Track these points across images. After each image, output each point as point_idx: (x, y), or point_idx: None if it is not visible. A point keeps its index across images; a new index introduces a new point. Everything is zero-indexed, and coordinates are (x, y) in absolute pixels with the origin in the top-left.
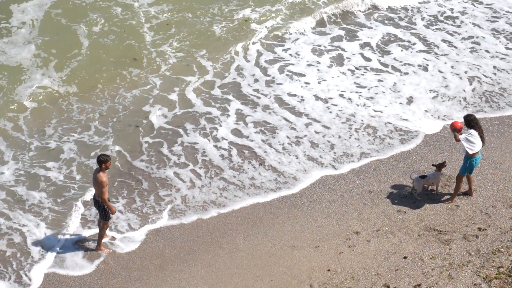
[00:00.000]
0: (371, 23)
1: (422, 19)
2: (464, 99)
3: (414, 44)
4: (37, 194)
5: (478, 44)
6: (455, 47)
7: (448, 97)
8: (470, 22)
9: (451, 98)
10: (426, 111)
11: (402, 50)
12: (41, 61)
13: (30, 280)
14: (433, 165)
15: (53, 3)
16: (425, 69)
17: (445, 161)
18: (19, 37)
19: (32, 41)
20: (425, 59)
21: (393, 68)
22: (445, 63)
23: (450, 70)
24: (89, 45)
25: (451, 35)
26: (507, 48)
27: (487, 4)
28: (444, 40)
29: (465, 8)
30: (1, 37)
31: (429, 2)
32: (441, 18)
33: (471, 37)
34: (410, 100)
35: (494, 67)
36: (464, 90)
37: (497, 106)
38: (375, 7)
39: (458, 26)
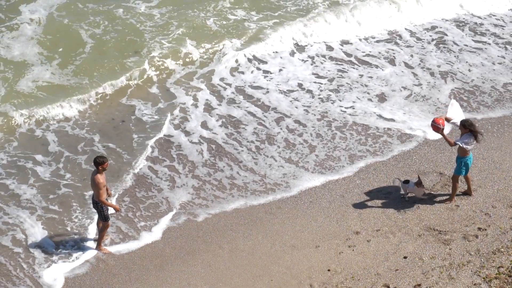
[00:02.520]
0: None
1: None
2: (438, 99)
3: (379, 33)
4: (30, 191)
5: (446, 34)
6: (419, 38)
7: (423, 96)
8: (429, 11)
9: (425, 97)
10: (404, 113)
11: (361, 40)
12: (45, 59)
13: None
14: (418, 175)
15: (58, 5)
16: (392, 62)
17: (422, 182)
18: (24, 33)
19: (35, 38)
20: (390, 49)
21: (358, 59)
22: (411, 56)
23: (420, 65)
24: (90, 41)
25: (413, 24)
26: (475, 41)
27: None
28: (406, 29)
29: None
30: (10, 32)
31: None
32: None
33: (434, 27)
34: (383, 98)
35: (466, 62)
36: (439, 90)
37: (470, 107)
38: None
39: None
